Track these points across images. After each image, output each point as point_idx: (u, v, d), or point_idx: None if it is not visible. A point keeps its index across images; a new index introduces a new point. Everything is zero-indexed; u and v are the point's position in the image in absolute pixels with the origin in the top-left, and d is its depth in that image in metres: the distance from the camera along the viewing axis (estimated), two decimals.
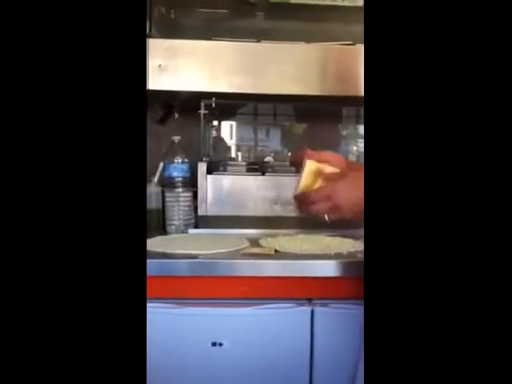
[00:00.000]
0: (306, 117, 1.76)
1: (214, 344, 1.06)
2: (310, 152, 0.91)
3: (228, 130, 1.74)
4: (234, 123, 1.73)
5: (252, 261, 1.08)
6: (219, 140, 1.72)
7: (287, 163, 1.45)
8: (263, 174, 1.39)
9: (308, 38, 1.37)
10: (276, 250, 1.14)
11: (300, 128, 1.77)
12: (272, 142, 1.77)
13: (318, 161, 0.89)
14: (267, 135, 1.77)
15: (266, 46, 1.34)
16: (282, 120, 1.76)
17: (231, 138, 1.74)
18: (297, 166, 0.77)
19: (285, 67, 1.32)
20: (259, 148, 1.76)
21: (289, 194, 1.37)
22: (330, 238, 1.30)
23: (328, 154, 0.92)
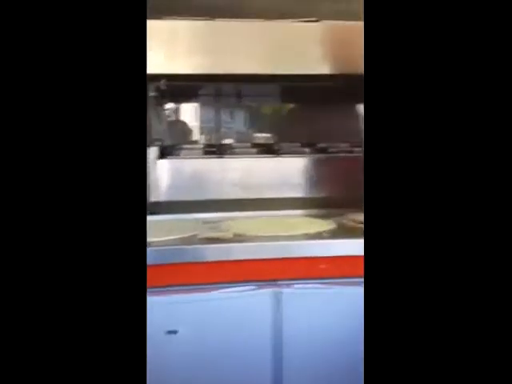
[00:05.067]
0: (274, 97, 1.70)
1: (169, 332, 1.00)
2: None
3: (191, 113, 1.67)
4: (197, 105, 1.65)
5: (209, 245, 1.02)
6: (180, 123, 1.64)
7: (248, 144, 1.39)
8: (221, 157, 1.33)
9: (275, 16, 1.32)
10: (235, 234, 1.09)
11: (269, 109, 1.72)
12: (237, 124, 1.70)
13: None
14: (232, 117, 1.70)
15: (222, 25, 1.27)
16: (248, 101, 1.69)
17: (194, 120, 1.67)
18: None
19: (242, 46, 1.26)
20: (223, 130, 1.68)
21: (250, 175, 1.34)
22: (295, 218, 1.27)
23: None
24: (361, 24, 1.26)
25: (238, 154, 1.35)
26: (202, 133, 1.65)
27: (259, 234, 1.09)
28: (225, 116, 1.66)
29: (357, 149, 1.54)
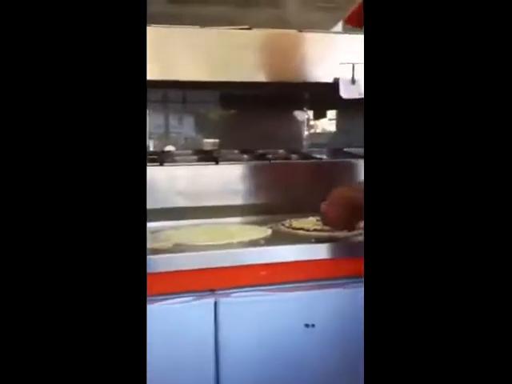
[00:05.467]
0: (216, 103, 1.72)
1: None
2: None
3: None
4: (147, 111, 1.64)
5: (149, 256, 1.03)
6: None
7: (189, 152, 1.40)
8: (161, 165, 1.33)
9: (212, 23, 1.33)
10: (175, 244, 1.11)
11: (216, 114, 1.73)
12: (185, 129, 1.71)
13: None
14: (180, 122, 1.71)
15: (163, 31, 1.27)
16: (197, 107, 1.70)
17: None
18: None
19: (181, 52, 1.28)
20: (173, 135, 1.68)
21: (190, 183, 1.35)
22: (235, 226, 1.30)
23: None
24: (293, 32, 1.33)
25: (179, 161, 1.36)
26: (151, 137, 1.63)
27: (199, 244, 1.11)
28: (172, 121, 1.66)
29: (294, 155, 1.61)
